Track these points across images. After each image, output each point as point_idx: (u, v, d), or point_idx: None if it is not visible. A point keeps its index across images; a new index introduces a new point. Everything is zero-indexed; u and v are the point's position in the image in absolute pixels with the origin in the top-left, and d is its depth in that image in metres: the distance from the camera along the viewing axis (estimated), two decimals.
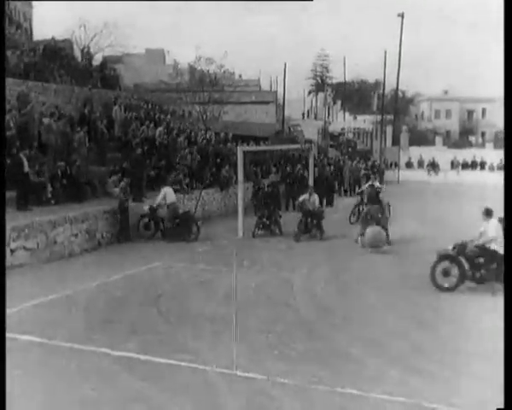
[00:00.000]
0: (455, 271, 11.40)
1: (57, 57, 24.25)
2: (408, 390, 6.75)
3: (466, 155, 52.50)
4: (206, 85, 32.69)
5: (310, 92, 70.84)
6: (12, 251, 12.58)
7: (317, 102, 67.37)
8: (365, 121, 58.24)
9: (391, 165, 48.19)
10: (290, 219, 18.27)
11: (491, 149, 55.89)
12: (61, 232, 14.15)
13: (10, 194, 13.40)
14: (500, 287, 10.97)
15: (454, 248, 11.55)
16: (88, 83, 23.70)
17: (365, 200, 18.00)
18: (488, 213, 11.57)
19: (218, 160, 23.95)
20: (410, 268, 13.25)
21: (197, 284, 11.86)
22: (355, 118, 61.33)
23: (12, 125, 15.68)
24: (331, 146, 48.14)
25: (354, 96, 72.71)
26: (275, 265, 13.77)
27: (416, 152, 53.17)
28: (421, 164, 51.32)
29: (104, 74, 26.73)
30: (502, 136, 63.78)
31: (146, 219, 16.88)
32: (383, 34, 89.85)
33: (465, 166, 50.99)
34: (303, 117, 57.94)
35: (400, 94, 59.12)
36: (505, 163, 6.51)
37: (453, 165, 50.44)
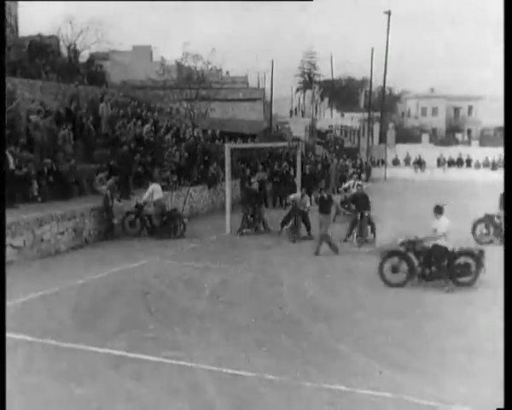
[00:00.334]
0: (404, 267, 11.44)
1: (43, 54, 24.11)
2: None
3: (452, 152, 52.81)
4: (194, 82, 32.64)
5: (297, 90, 70.95)
6: None
7: (304, 100, 67.48)
8: (352, 119, 58.43)
9: (378, 162, 48.44)
10: (277, 217, 18.28)
11: (476, 147, 56.31)
12: (47, 230, 14.08)
13: None
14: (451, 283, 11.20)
15: (403, 244, 11.58)
16: (74, 80, 23.57)
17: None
18: (439, 210, 11.62)
19: (206, 157, 23.94)
20: None
21: (185, 281, 11.86)
22: (342, 115, 61.47)
23: None
24: (318, 143, 48.26)
25: (341, 93, 72.90)
26: (262, 262, 13.82)
27: (402, 149, 53.39)
28: (407, 161, 51.59)
29: (91, 71, 26.64)
30: (487, 133, 64.47)
31: (132, 217, 16.84)
32: (371, 32, 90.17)
33: (451, 163, 51.32)
34: (291, 115, 57.98)
35: (387, 91, 59.36)
36: (505, 162, 6.52)
37: (439, 162, 50.75)
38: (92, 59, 29.23)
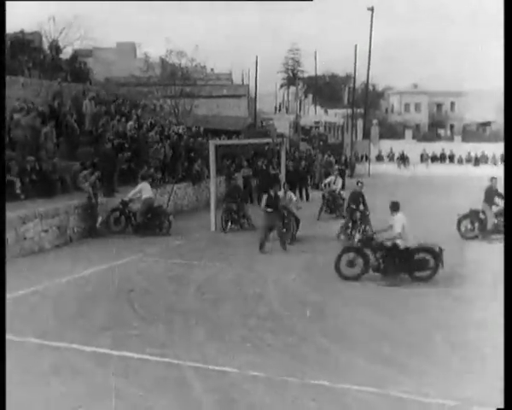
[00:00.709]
0: (359, 261, 11.69)
1: (26, 50, 23.88)
2: None
3: (435, 147, 53.27)
4: (178, 79, 32.58)
5: (282, 86, 71.09)
6: None
7: (288, 96, 67.61)
8: (336, 115, 58.65)
9: (361, 158, 48.69)
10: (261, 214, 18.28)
11: (459, 142, 56.83)
12: (31, 228, 13.98)
13: None
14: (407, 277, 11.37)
15: (360, 240, 11.89)
16: (57, 76, 23.38)
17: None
18: (394, 207, 11.77)
19: (191, 154, 23.91)
20: None
21: (170, 278, 11.88)
22: (326, 112, 61.69)
23: None
24: (303, 140, 48.38)
25: (325, 89, 73.14)
26: (246, 259, 13.88)
27: (386, 145, 53.75)
28: (391, 157, 51.92)
29: (74, 68, 26.43)
30: (470, 128, 64.95)
31: (117, 214, 16.78)
32: (354, 28, 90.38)
33: (434, 159, 51.77)
34: (275, 111, 58.05)
35: (371, 88, 59.60)
36: (505, 159, 6.58)
37: (422, 158, 51.16)
38: (75, 55, 29.03)
